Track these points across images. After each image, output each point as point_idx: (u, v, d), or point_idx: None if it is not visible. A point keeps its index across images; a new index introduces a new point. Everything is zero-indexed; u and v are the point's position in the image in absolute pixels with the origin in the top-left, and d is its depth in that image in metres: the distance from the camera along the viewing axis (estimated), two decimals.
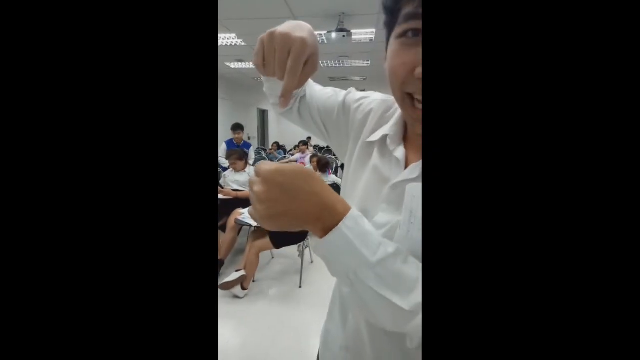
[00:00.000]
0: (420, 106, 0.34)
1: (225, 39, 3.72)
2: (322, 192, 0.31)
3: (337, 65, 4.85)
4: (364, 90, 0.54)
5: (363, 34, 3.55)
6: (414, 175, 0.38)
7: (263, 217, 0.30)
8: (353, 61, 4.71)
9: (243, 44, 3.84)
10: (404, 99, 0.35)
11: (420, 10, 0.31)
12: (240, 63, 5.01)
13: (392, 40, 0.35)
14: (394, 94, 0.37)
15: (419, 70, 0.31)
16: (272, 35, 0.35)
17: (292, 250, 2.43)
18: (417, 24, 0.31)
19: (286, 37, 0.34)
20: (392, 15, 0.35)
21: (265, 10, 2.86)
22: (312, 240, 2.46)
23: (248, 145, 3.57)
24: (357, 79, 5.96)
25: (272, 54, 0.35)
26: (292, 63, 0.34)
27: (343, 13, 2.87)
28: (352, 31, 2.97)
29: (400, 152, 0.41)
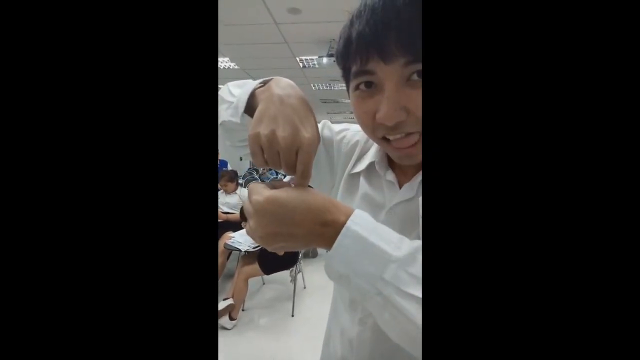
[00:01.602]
0: (397, 145, 0.34)
1: (219, 62, 3.79)
2: (319, 207, 0.29)
3: (328, 88, 4.96)
4: (352, 113, 0.52)
5: None
6: (410, 195, 0.38)
7: (269, 248, 0.30)
8: (343, 84, 4.83)
9: (236, 67, 3.91)
10: (381, 143, 0.36)
11: (365, 68, 0.31)
12: None
13: (351, 92, 0.36)
14: (372, 140, 0.37)
15: (378, 115, 0.32)
16: (272, 139, 0.30)
17: (284, 275, 2.33)
18: (366, 78, 0.32)
19: (291, 141, 0.30)
20: (345, 71, 0.36)
21: (258, 35, 2.92)
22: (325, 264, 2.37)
23: (224, 164, 3.50)
24: (347, 101, 6.10)
25: (275, 156, 0.31)
26: (304, 167, 0.30)
27: (333, 39, 2.97)
28: None
29: (391, 175, 0.41)
